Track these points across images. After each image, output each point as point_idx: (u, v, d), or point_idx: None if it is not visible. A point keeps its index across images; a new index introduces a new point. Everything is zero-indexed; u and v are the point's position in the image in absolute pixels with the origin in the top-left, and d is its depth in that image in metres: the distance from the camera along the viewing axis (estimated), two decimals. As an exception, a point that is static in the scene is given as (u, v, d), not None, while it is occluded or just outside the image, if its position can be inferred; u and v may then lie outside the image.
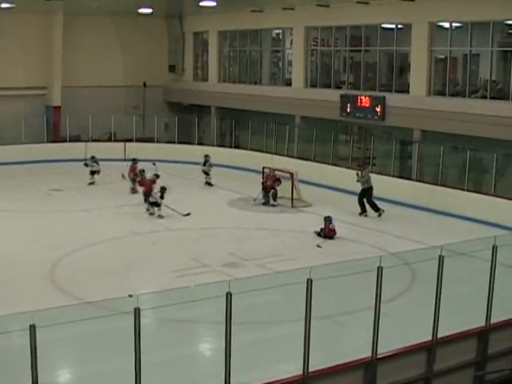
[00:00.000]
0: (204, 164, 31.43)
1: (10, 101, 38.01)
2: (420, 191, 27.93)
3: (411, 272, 17.86)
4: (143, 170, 27.98)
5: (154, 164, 28.40)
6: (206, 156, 31.58)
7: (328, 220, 23.08)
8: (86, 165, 31.71)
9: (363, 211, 26.67)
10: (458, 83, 29.76)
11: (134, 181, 29.03)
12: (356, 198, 26.86)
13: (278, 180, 28.15)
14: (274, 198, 28.04)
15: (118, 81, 42.05)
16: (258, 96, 37.44)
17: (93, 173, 31.34)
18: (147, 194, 26.13)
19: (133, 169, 29.58)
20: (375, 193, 27.21)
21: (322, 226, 23.06)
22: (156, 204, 25.53)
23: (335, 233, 23.01)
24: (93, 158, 31.82)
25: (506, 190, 25.55)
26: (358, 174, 26.94)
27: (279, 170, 28.78)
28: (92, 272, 18.99)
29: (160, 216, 25.33)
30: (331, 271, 13.45)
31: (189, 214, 25.60)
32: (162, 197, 25.50)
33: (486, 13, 26.56)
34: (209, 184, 31.25)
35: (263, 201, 28.03)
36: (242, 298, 10.92)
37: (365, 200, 26.65)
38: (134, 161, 30.22)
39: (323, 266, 13.52)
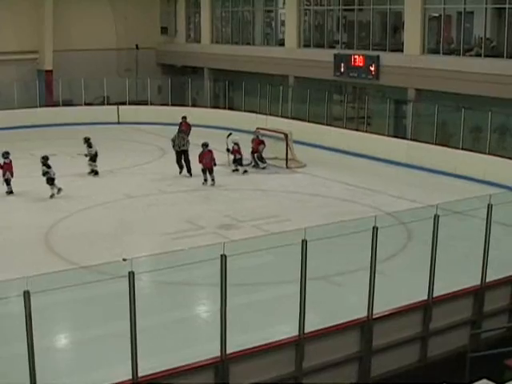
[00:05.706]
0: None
1: (1, 65, 37.71)
2: (415, 150, 27.85)
3: (407, 231, 17.87)
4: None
5: None
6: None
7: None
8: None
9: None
10: (453, 41, 29.52)
11: None
12: (352, 159, 26.83)
13: (262, 143, 27.87)
14: (260, 160, 27.83)
15: (110, 43, 41.72)
16: (251, 57, 37.18)
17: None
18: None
19: None
20: (372, 152, 27.15)
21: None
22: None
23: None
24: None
25: (501, 148, 25.50)
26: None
27: (273, 131, 28.62)
28: (87, 236, 18.97)
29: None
30: (326, 232, 13.41)
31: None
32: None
33: (480, -31, 26.36)
34: None
35: (253, 163, 27.80)
36: (237, 259, 10.88)
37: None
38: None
39: (318, 227, 13.47)
